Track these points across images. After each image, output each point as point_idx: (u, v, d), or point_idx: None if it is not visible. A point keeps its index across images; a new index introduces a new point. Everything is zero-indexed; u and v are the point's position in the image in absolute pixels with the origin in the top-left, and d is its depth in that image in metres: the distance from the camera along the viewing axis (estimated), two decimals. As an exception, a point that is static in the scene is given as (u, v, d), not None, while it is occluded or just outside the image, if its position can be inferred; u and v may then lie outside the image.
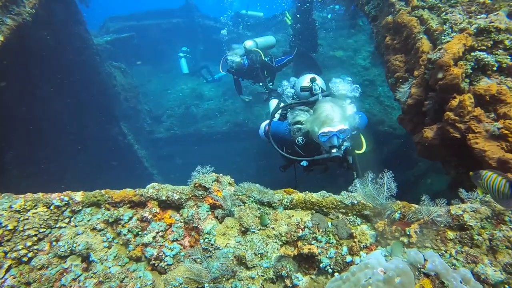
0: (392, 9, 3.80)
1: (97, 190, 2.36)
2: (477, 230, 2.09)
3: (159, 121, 11.01)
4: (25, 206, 2.28)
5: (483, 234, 2.08)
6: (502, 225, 2.13)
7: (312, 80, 3.36)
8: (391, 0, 3.83)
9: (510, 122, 2.47)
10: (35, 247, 2.30)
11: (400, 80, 3.46)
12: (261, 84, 7.06)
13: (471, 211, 2.15)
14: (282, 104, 3.76)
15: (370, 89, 9.56)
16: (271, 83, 6.95)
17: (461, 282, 1.81)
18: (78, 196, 2.35)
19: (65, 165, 7.38)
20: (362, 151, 3.58)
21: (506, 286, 1.91)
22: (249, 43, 7.02)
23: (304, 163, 3.14)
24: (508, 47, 2.88)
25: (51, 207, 2.32)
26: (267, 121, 3.67)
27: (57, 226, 2.36)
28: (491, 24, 2.91)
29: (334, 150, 2.93)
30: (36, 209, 2.29)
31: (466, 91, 2.81)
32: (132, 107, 9.95)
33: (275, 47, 7.95)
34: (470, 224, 2.09)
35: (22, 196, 2.34)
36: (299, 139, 3.05)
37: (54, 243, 2.31)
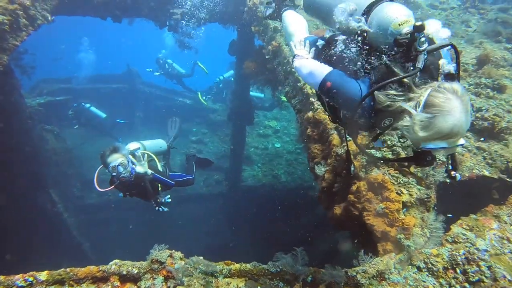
0: (312, 107, 5.11)
1: (63, 269, 2.87)
2: (366, 287, 3.07)
3: (91, 186, 11.12)
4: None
5: (370, 290, 3.07)
6: (383, 281, 3.15)
7: (419, 29, 1.90)
8: (311, 99, 5.17)
9: (389, 204, 3.64)
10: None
11: (318, 165, 4.62)
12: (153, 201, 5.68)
13: (361, 272, 3.14)
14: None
15: (302, 157, 11.07)
16: (169, 198, 5.78)
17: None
18: (43, 275, 2.80)
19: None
20: None
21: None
22: (134, 146, 5.64)
23: (379, 143, 2.25)
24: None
25: (12, 290, 2.72)
26: (327, 70, 2.33)
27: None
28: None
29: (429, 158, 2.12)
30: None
31: (363, 178, 4.00)
32: (63, 172, 10.08)
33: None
34: (362, 282, 3.07)
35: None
36: (386, 121, 2.10)
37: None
